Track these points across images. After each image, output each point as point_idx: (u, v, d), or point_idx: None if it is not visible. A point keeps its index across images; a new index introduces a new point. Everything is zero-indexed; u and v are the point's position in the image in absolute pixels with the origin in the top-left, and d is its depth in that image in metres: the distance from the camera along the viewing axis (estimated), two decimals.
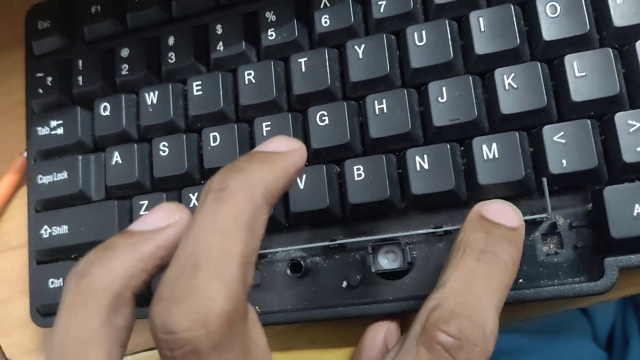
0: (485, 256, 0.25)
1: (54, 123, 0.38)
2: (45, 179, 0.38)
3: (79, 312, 0.22)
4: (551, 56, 0.30)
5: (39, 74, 0.39)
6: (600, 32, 0.30)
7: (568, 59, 0.29)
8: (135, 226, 0.24)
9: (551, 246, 0.29)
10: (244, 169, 0.23)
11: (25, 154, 0.41)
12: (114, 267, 0.22)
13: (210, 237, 0.21)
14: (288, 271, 0.32)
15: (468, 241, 0.26)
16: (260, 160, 0.23)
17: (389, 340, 0.31)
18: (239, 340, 0.21)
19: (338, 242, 0.32)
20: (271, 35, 0.34)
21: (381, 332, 0.31)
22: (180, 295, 0.20)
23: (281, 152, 0.24)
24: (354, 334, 0.32)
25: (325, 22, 0.33)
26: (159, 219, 0.24)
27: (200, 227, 0.21)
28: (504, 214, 0.27)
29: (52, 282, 0.36)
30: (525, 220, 0.29)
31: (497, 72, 0.30)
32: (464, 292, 0.25)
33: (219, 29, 0.35)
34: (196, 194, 0.34)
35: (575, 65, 0.29)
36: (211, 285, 0.20)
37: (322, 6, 0.33)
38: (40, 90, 0.39)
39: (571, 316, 0.55)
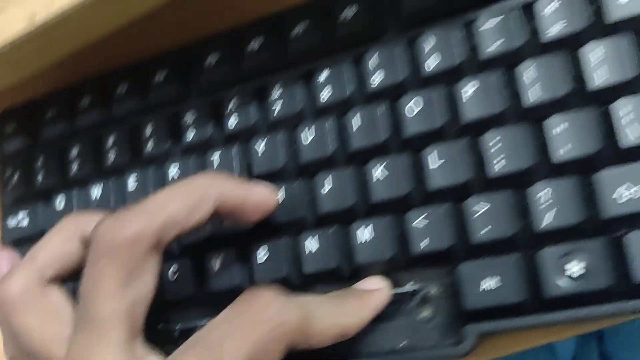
0: None
1: (20, 215, 0.44)
2: None
3: None
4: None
5: (7, 172, 0.45)
6: None
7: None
8: None
9: (426, 313, 0.33)
10: None
11: None
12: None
13: None
14: None
15: None
16: None
17: None
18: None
19: None
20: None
21: None
22: None
23: None
24: None
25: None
26: None
27: None
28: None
29: None
30: (402, 293, 0.33)
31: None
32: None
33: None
34: None
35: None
36: None
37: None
38: (9, 187, 0.45)
39: (533, 349, 0.57)
